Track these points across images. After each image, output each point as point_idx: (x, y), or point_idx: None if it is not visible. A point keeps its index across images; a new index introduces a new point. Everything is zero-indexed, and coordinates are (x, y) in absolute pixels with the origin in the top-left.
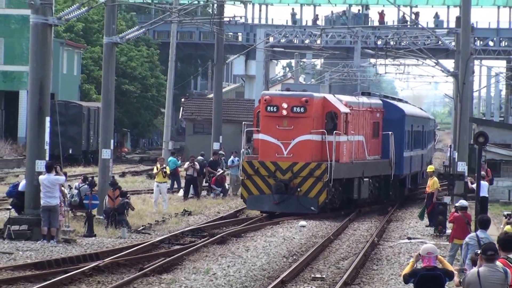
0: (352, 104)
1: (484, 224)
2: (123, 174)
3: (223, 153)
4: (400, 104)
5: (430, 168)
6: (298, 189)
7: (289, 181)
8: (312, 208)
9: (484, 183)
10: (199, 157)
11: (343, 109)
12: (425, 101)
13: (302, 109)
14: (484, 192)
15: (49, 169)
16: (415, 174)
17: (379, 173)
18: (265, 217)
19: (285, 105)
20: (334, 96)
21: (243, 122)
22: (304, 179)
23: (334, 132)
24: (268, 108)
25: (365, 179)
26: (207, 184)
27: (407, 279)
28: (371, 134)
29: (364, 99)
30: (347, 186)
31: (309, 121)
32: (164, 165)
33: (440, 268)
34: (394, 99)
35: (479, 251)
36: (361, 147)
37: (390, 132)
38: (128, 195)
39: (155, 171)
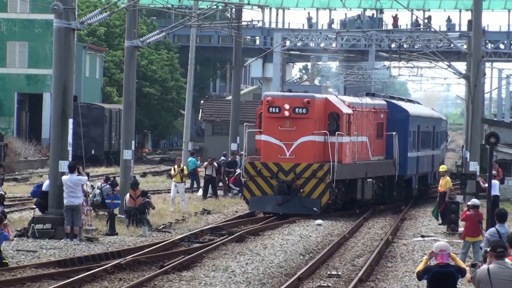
0: (355, 105)
1: (502, 217)
2: (144, 174)
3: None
4: (404, 105)
5: (442, 168)
6: (301, 190)
7: (292, 182)
8: (315, 209)
9: (495, 182)
10: (222, 158)
11: (346, 110)
12: (438, 102)
13: (304, 110)
14: (495, 191)
15: (71, 169)
16: (425, 175)
17: (383, 174)
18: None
19: (287, 106)
20: (337, 97)
21: (245, 124)
22: (306, 180)
23: (337, 133)
24: (270, 109)
25: (368, 180)
26: (223, 184)
27: (420, 276)
28: (375, 134)
29: (367, 100)
30: (350, 186)
31: (311, 122)
32: (182, 166)
33: (453, 265)
34: (401, 99)
35: (488, 249)
36: (365, 147)
37: (394, 133)
38: (149, 194)
39: (173, 172)
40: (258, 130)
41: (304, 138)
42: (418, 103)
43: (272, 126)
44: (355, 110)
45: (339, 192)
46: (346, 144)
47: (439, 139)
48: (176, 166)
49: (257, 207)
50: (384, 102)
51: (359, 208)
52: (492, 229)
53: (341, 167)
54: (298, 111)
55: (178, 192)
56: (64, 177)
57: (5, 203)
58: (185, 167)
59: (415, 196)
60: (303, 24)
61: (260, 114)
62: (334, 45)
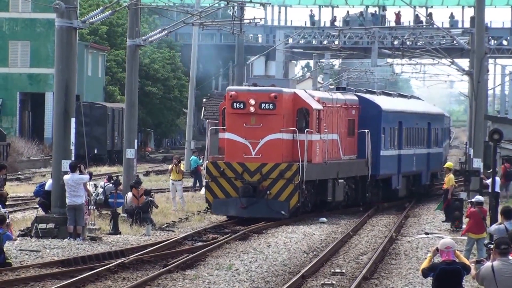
0: (325, 100)
1: (509, 214)
2: (147, 173)
3: None
4: (378, 100)
5: (447, 165)
6: (268, 192)
7: (258, 183)
8: (283, 212)
9: (496, 179)
10: None
11: (315, 105)
12: (442, 100)
13: (271, 106)
14: (496, 188)
15: (73, 168)
16: (417, 174)
17: (355, 174)
18: None
19: (252, 102)
20: (306, 91)
21: (207, 120)
22: (273, 181)
23: (306, 130)
24: (234, 104)
25: (339, 180)
26: None
27: (426, 273)
28: (346, 132)
29: (338, 95)
30: (320, 188)
31: (278, 118)
32: (176, 162)
33: (458, 262)
34: (388, 94)
35: (492, 246)
36: (335, 146)
37: (366, 130)
38: (152, 193)
39: (169, 168)
40: (222, 127)
41: (271, 136)
42: (418, 98)
43: (237, 123)
44: (325, 105)
45: (308, 194)
46: (316, 142)
47: (438, 136)
48: (173, 163)
49: (219, 211)
50: (356, 98)
51: (329, 211)
52: (501, 226)
53: (311, 167)
54: (265, 106)
55: (176, 191)
56: (65, 177)
57: (7, 203)
58: (182, 164)
59: (402, 197)
60: (306, 22)
61: (224, 110)
62: (336, 42)
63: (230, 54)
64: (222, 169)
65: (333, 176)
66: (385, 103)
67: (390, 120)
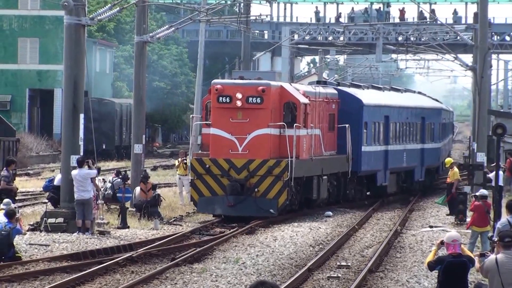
0: (309, 94)
1: None
2: (154, 168)
3: None
4: (360, 93)
5: (447, 161)
6: (255, 190)
7: (245, 180)
8: (271, 210)
9: (500, 173)
10: None
11: (303, 99)
12: (443, 94)
13: (258, 100)
14: (499, 181)
15: (80, 164)
16: (409, 170)
17: (337, 170)
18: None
19: (239, 95)
20: (291, 85)
21: (191, 116)
22: (261, 178)
23: (295, 125)
24: (220, 98)
25: (324, 177)
26: None
27: (432, 266)
28: (327, 127)
29: (320, 89)
30: (306, 185)
31: (266, 113)
32: (185, 158)
33: (465, 255)
34: (377, 88)
35: (496, 239)
36: (318, 141)
37: (347, 125)
38: (156, 187)
39: (176, 164)
40: (205, 122)
41: (259, 131)
42: (420, 93)
43: (223, 118)
44: (310, 99)
45: (295, 191)
46: (303, 137)
47: (434, 131)
48: (179, 158)
49: (206, 209)
50: (335, 91)
51: (312, 209)
52: (504, 220)
53: (299, 163)
54: (252, 100)
55: (183, 185)
56: (73, 172)
57: (17, 198)
58: (188, 159)
59: (391, 193)
60: (311, 18)
61: (208, 104)
62: (341, 38)
63: (236, 50)
64: (207, 166)
65: (318, 173)
66: (369, 97)
67: (375, 115)
